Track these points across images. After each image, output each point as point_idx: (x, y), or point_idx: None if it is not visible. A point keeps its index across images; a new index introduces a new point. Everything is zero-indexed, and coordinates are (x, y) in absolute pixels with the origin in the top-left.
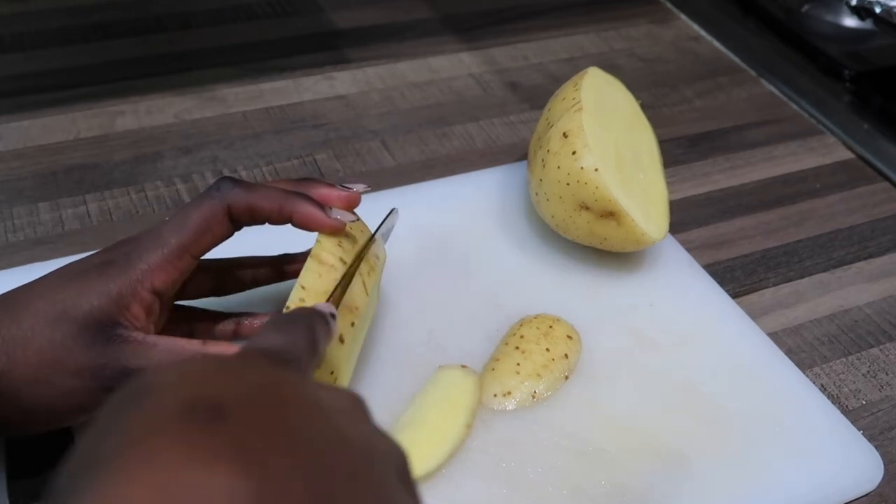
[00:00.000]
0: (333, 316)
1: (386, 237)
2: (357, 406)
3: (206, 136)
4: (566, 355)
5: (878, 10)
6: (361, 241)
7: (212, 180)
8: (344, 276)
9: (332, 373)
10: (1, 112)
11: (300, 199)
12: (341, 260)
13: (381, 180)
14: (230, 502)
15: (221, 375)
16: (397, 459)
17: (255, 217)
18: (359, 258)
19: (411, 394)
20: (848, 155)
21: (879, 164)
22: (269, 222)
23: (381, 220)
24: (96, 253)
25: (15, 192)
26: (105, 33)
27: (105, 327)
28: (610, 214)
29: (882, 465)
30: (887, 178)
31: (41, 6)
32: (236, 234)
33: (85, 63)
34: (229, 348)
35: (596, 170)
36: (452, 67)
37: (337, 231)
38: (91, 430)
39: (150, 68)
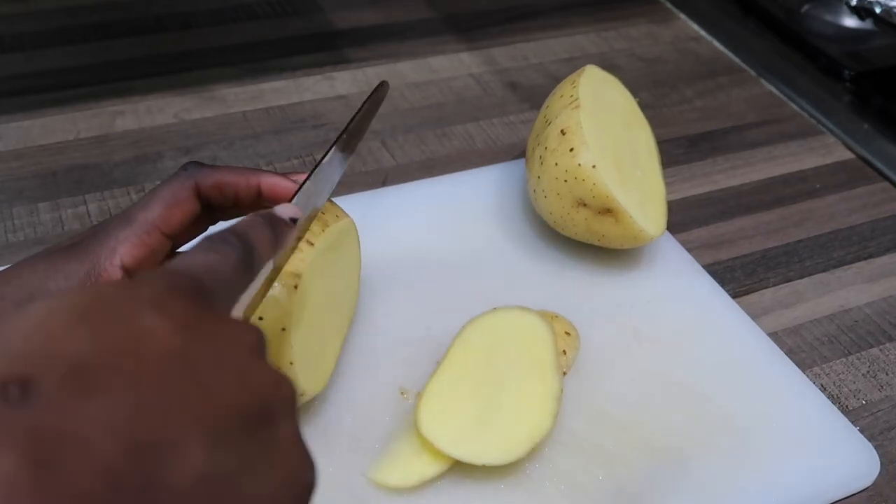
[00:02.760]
0: (294, 220)
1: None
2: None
3: (206, 136)
4: (564, 351)
5: (878, 10)
6: (333, 224)
7: None
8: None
9: (283, 329)
10: (1, 112)
11: (266, 171)
12: (308, 241)
13: (381, 180)
14: (6, 489)
15: (72, 331)
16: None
17: (224, 192)
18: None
19: (409, 390)
20: (848, 155)
21: (879, 164)
22: (238, 200)
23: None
24: (65, 239)
25: (15, 192)
26: (105, 33)
27: None
28: (607, 211)
29: (878, 462)
30: (887, 178)
31: (41, 6)
32: None
33: (85, 63)
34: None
35: (593, 166)
36: (452, 67)
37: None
38: None
39: (150, 68)
